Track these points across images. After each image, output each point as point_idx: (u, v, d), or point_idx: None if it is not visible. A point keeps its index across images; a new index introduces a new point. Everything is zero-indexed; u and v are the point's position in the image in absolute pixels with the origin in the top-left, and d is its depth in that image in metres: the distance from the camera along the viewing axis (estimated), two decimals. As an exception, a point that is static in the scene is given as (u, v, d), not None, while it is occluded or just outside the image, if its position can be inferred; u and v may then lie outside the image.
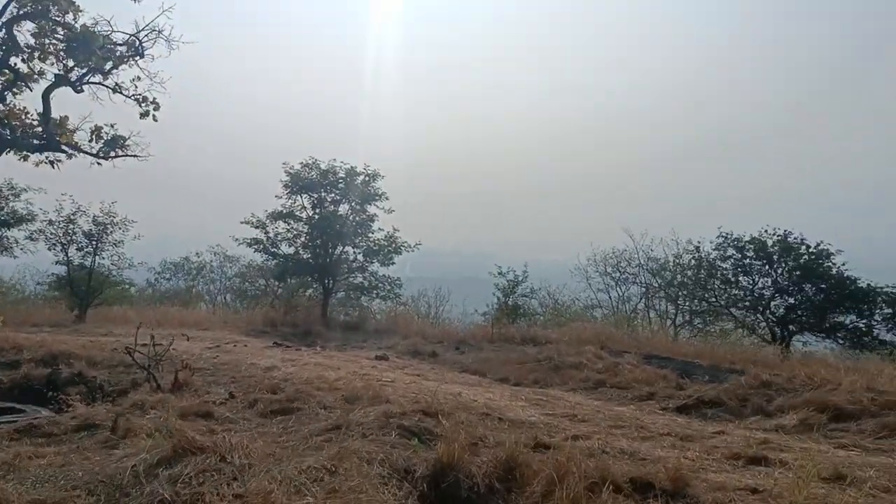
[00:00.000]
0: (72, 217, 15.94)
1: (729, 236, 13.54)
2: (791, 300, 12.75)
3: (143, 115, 10.45)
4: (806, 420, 5.73)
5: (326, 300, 17.62)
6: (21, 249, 16.58)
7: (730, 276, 13.59)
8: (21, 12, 9.50)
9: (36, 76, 10.16)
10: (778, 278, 12.90)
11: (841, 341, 12.30)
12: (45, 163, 10.52)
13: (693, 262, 14.98)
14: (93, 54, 9.67)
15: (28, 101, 10.32)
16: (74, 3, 9.52)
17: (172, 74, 10.24)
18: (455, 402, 5.69)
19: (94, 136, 10.62)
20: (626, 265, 18.94)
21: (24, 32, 9.77)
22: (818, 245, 12.45)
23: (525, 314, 16.42)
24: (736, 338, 15.32)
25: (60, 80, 10.09)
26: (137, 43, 9.99)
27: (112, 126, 10.71)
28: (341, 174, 17.37)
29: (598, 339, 11.94)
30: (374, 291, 18.36)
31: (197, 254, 25.23)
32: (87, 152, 10.65)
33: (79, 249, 16.20)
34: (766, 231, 13.10)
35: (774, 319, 12.96)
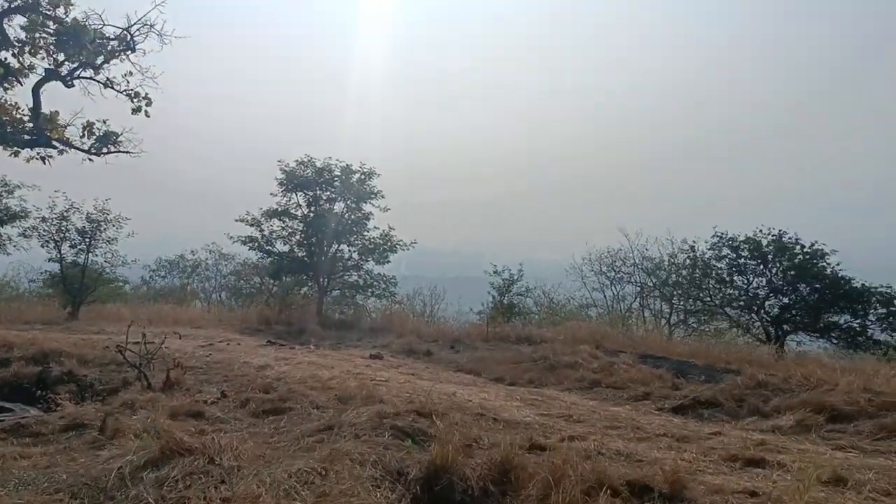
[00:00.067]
0: (65, 214, 15.84)
1: (724, 236, 13.52)
2: (785, 300, 12.74)
3: (136, 110, 10.34)
4: (803, 421, 5.68)
5: (321, 298, 17.53)
6: (14, 246, 16.54)
7: (724, 275, 13.57)
8: (12, 6, 9.38)
9: (26, 71, 10.04)
10: (772, 278, 12.89)
11: (835, 341, 12.29)
12: (37, 158, 10.40)
13: (688, 261, 14.95)
14: (84, 48, 9.56)
15: (18, 95, 10.21)
16: (65, -4, 9.42)
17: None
18: (449, 402, 5.63)
19: (86, 132, 10.51)
20: (621, 264, 18.99)
21: (15, 26, 9.66)
22: (812, 245, 12.45)
23: (520, 313, 16.42)
24: (730, 337, 15.32)
25: (51, 75, 9.97)
26: (129, 37, 9.89)
27: (104, 122, 10.61)
28: (337, 172, 17.30)
29: (594, 338, 11.87)
30: (369, 290, 18.32)
31: (192, 251, 25.13)
32: (78, 148, 10.53)
33: (72, 247, 16.13)
34: (760, 231, 13.10)
35: (769, 319, 12.96)
